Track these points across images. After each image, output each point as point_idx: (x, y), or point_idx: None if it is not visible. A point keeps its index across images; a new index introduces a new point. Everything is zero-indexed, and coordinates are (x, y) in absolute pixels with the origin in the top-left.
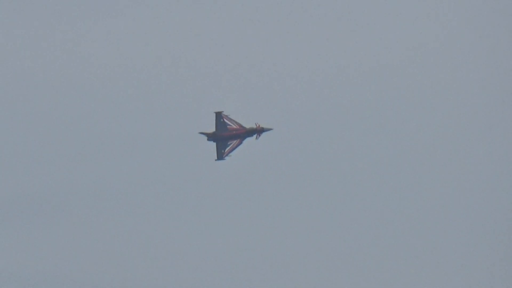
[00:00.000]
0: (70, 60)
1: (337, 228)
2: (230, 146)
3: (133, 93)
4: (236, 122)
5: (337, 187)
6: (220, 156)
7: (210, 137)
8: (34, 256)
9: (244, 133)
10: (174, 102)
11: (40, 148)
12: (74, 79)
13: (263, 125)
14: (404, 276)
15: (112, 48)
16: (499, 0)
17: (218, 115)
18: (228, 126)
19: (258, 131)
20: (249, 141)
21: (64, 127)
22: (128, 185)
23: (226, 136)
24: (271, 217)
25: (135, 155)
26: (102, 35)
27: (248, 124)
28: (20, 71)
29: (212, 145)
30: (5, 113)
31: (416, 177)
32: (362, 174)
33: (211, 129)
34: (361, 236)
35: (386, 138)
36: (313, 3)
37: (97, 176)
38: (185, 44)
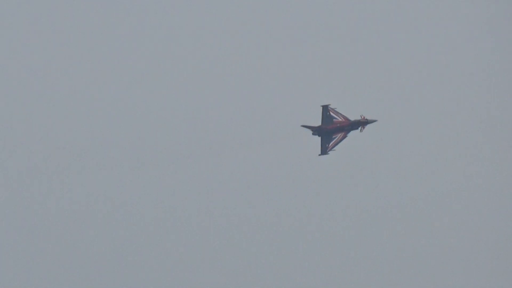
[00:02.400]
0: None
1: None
2: (334, 140)
3: (241, 87)
4: (341, 115)
5: (445, 178)
6: (324, 150)
7: (315, 131)
8: None
9: (348, 126)
10: (280, 95)
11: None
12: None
13: (368, 117)
14: None
15: (219, 35)
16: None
17: (325, 108)
18: (334, 120)
19: (362, 123)
20: (353, 134)
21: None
22: (233, 180)
23: (331, 129)
24: (375, 213)
25: (238, 150)
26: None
27: (353, 117)
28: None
29: (316, 139)
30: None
31: None
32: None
33: (315, 123)
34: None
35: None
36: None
37: (207, 169)
38: (292, 37)
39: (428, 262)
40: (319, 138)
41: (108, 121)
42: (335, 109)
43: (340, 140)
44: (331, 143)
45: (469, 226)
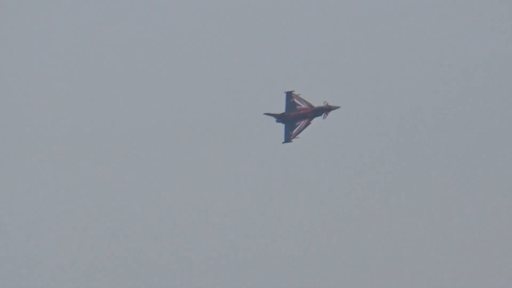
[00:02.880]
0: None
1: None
2: (298, 127)
3: (203, 76)
4: (305, 102)
5: (408, 166)
6: (288, 138)
7: (279, 118)
8: None
9: (311, 113)
10: (240, 83)
11: None
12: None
13: (331, 103)
14: None
15: (199, 20)
16: None
17: (288, 95)
18: (297, 106)
19: (325, 109)
20: (316, 120)
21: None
22: (195, 171)
23: (294, 116)
24: (339, 200)
25: (201, 139)
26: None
27: (317, 103)
28: None
29: (280, 126)
30: None
31: None
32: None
33: (277, 110)
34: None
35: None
36: None
37: (167, 162)
38: (254, 22)
39: (394, 250)
40: (283, 126)
41: (86, 115)
42: (299, 96)
43: (304, 127)
44: (295, 130)
45: (442, 219)
